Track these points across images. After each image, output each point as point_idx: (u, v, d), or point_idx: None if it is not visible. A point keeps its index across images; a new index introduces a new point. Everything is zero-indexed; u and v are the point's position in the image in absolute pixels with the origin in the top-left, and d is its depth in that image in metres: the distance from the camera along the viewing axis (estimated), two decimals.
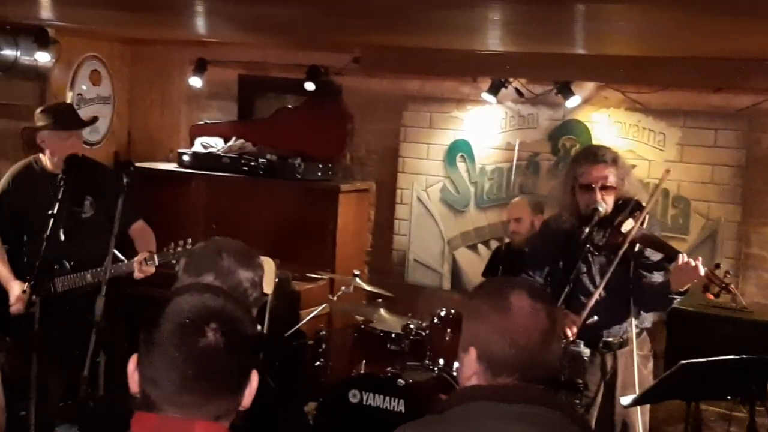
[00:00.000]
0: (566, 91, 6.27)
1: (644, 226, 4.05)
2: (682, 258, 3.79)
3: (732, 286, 3.76)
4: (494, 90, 6.47)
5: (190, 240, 4.52)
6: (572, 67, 6.21)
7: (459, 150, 6.89)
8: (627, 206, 4.08)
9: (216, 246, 2.48)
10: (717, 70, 5.78)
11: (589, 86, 6.42)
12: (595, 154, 4.20)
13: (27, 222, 4.80)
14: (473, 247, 6.83)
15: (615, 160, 4.17)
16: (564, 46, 5.70)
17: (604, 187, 4.11)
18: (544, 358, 2.10)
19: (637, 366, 4.05)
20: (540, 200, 5.94)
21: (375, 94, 7.17)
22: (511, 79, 6.50)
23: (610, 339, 4.17)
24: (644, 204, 4.09)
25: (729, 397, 4.15)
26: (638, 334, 4.17)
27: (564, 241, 4.20)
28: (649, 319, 4.29)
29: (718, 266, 3.77)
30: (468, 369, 2.12)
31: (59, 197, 4.46)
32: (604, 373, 4.16)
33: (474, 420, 2.03)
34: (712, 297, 3.78)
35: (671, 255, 3.88)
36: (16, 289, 4.63)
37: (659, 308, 4.14)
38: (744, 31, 4.36)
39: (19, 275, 4.71)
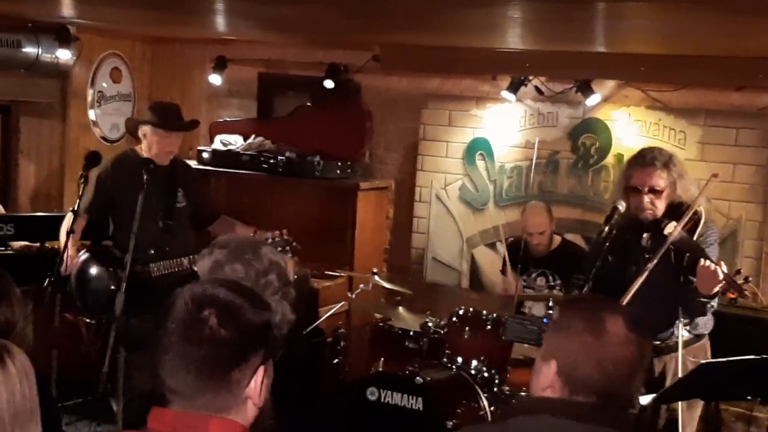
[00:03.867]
0: (586, 89, 6.25)
1: (697, 231, 4.01)
2: (703, 262, 3.77)
3: (747, 292, 3.82)
4: (514, 88, 6.45)
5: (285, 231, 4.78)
6: (592, 65, 6.19)
7: (478, 148, 6.88)
8: (677, 210, 4.06)
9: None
10: (738, 69, 5.74)
11: (610, 84, 6.39)
12: (644, 158, 4.17)
13: (118, 208, 5.04)
14: (492, 246, 6.82)
15: (666, 163, 4.12)
16: (584, 44, 5.68)
17: (652, 191, 4.09)
18: (626, 388, 2.06)
19: (681, 371, 4.00)
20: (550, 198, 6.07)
21: (394, 92, 7.17)
22: (530, 77, 6.49)
23: (657, 342, 4.12)
24: (697, 209, 4.05)
25: (749, 398, 4.12)
26: (692, 341, 4.14)
27: (616, 243, 4.19)
28: (705, 325, 4.24)
29: (738, 272, 3.79)
30: (544, 379, 2.08)
31: (158, 190, 4.79)
32: (650, 376, 4.12)
33: None
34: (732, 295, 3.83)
35: (696, 258, 3.86)
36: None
37: (696, 313, 4.10)
38: (766, 30, 4.32)
39: (107, 261, 4.97)
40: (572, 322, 2.10)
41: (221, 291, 1.74)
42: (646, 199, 4.09)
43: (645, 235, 4.11)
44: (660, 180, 4.09)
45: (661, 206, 4.11)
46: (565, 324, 2.11)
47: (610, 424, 2.01)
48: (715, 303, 4.07)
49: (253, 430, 1.76)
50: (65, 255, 4.80)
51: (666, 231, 3.94)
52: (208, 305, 1.70)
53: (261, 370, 1.73)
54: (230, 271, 2.34)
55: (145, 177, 4.65)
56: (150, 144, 5.02)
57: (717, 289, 3.80)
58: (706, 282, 3.78)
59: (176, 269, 4.93)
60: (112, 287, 4.88)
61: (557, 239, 5.82)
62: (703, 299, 3.92)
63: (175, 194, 5.11)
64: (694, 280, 3.94)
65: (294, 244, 4.75)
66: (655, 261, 3.90)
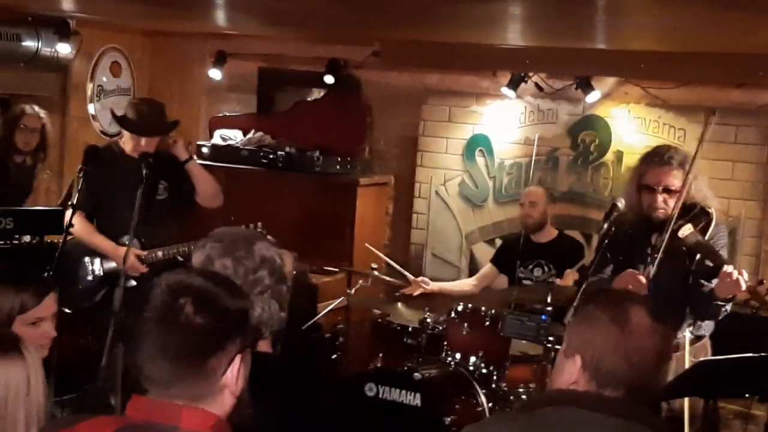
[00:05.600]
0: (586, 86, 6.24)
1: (708, 232, 3.99)
2: (727, 269, 3.75)
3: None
4: (514, 84, 6.45)
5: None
6: (592, 62, 6.18)
7: (478, 144, 6.87)
8: (690, 211, 4.04)
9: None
10: (739, 66, 5.73)
11: (610, 81, 6.39)
12: (662, 156, 4.12)
13: (102, 200, 5.04)
14: (491, 242, 6.81)
15: (682, 163, 4.07)
16: (584, 40, 5.67)
17: (667, 190, 4.05)
18: (653, 380, 2.04)
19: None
20: (554, 193, 6.11)
21: (394, 87, 7.17)
22: (530, 74, 6.48)
23: None
24: (709, 210, 4.03)
25: (747, 395, 4.11)
26: (694, 341, 4.13)
27: (625, 240, 4.17)
28: (706, 326, 4.22)
29: (761, 282, 3.74)
30: (569, 376, 2.06)
31: (141, 183, 4.67)
32: None
33: (568, 426, 1.97)
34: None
35: (718, 265, 3.82)
36: (124, 254, 4.74)
37: (709, 316, 4.08)
38: (766, 26, 4.32)
39: (88, 252, 5.02)
40: (596, 314, 2.07)
41: (197, 279, 1.75)
42: (660, 198, 4.05)
43: (655, 234, 4.08)
44: (675, 180, 4.04)
45: (673, 206, 4.08)
46: (589, 317, 2.08)
47: (639, 419, 1.99)
48: (729, 307, 4.04)
49: (231, 419, 1.76)
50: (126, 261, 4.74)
51: (680, 233, 3.91)
52: (184, 293, 1.70)
53: (238, 359, 1.73)
54: (220, 267, 2.32)
55: (144, 172, 4.65)
56: (125, 140, 5.04)
57: (735, 294, 3.78)
58: (727, 289, 3.76)
59: (150, 261, 4.94)
60: (89, 278, 4.98)
61: (554, 232, 5.86)
62: (719, 302, 3.90)
63: (156, 186, 5.07)
64: (705, 283, 3.93)
65: (268, 237, 4.72)
66: (659, 257, 3.88)
